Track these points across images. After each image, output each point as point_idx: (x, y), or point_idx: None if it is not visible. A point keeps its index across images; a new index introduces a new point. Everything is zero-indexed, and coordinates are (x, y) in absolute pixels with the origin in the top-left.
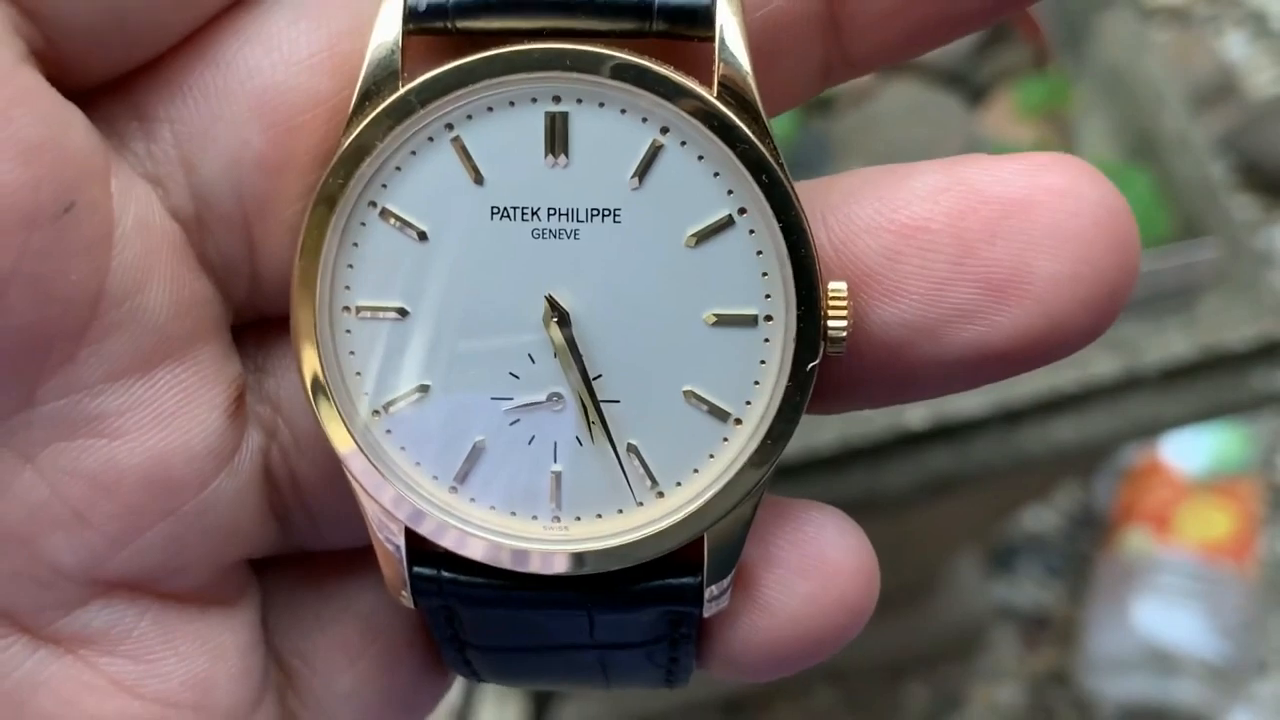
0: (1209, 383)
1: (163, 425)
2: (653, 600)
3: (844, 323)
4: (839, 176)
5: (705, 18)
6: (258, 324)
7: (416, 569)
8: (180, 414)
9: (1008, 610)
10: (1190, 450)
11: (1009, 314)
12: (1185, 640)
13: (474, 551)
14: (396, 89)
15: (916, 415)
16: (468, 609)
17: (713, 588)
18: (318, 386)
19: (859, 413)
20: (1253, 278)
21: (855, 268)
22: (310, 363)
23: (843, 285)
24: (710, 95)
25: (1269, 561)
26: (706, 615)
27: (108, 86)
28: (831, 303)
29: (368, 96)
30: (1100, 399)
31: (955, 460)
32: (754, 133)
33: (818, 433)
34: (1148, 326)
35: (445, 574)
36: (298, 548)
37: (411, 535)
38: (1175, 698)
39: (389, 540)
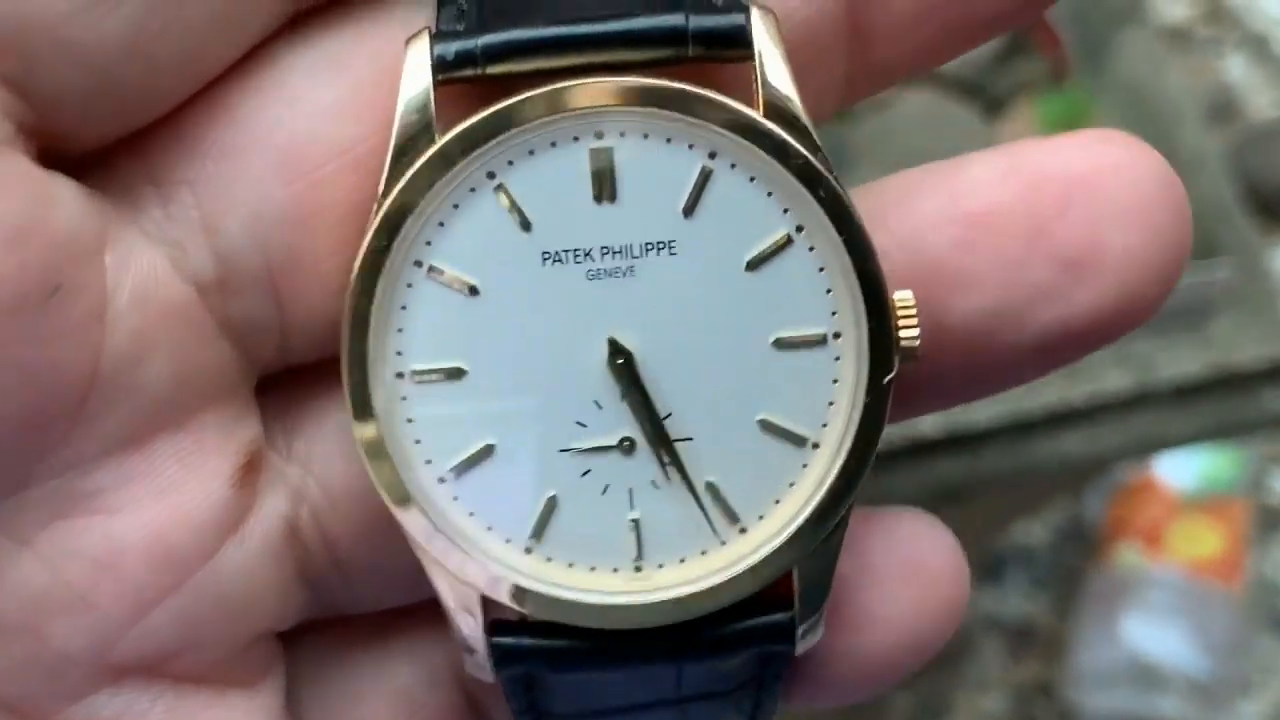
0: (1219, 401)
1: (161, 498)
2: (744, 643)
3: (915, 332)
4: (886, 180)
5: (741, 38)
6: (286, 380)
7: (496, 639)
8: (179, 485)
9: (994, 621)
10: (1182, 469)
11: (1087, 290)
12: (1171, 657)
13: (555, 613)
14: (433, 141)
15: (928, 424)
16: (551, 674)
17: (806, 621)
18: (378, 457)
19: None
20: (1267, 298)
21: (926, 264)
22: (368, 436)
23: (908, 294)
24: (757, 114)
25: (1257, 582)
26: (799, 653)
27: (120, 149)
28: (900, 313)
29: (403, 152)
30: (1111, 413)
31: (965, 469)
32: (805, 147)
33: None
34: (1160, 343)
35: (527, 640)
36: (331, 612)
37: (487, 604)
38: (1159, 713)
39: (464, 612)
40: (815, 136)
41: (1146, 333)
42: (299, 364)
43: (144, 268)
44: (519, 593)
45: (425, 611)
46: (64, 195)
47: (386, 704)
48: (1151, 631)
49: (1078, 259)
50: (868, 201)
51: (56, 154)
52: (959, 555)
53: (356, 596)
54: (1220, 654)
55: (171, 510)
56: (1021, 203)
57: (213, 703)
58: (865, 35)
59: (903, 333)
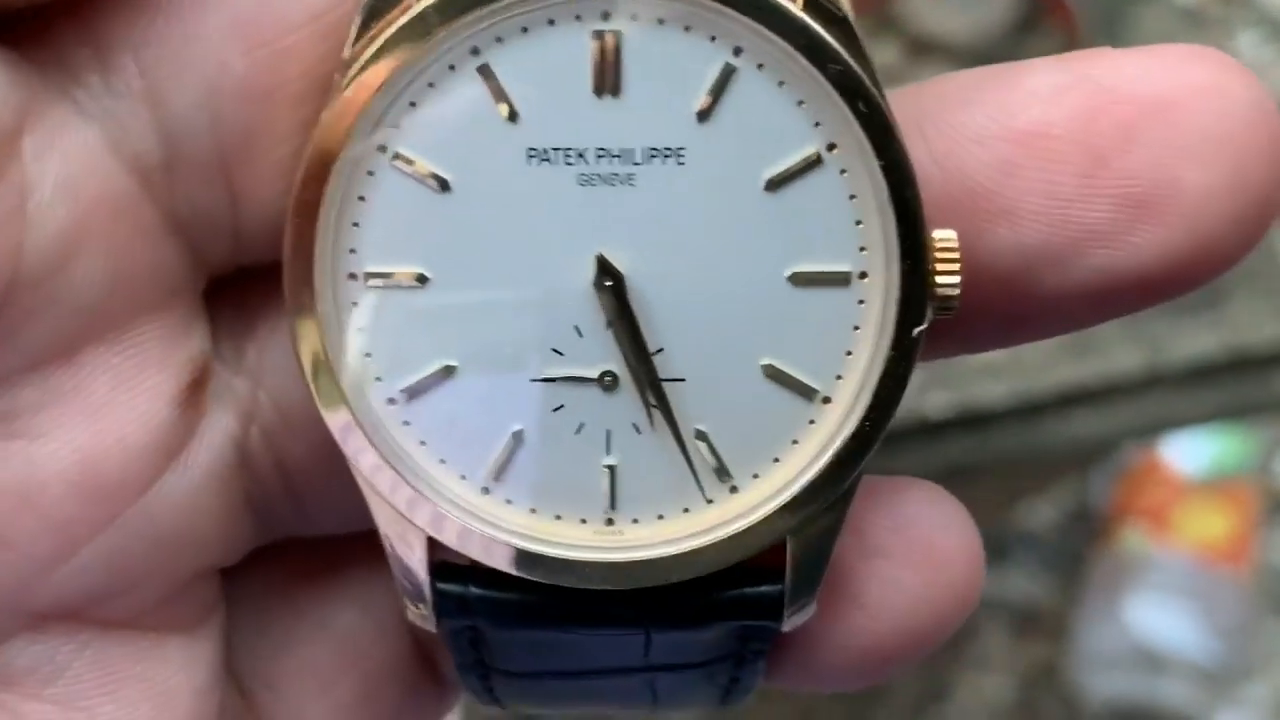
0: (1232, 382)
1: (91, 420)
2: (723, 615)
3: (955, 279)
4: (932, 81)
5: None
6: (236, 280)
7: (440, 584)
8: (113, 405)
9: (998, 602)
10: (1190, 451)
11: (1149, 234)
12: (1176, 641)
13: (509, 563)
14: (409, 6)
15: (936, 403)
16: (500, 630)
17: (798, 598)
18: (319, 369)
19: None
20: None
21: (962, 185)
22: (310, 342)
23: (952, 234)
24: (794, 7)
25: (1265, 565)
26: (786, 629)
27: (55, 7)
28: (940, 255)
29: (373, 16)
30: (1122, 394)
31: (974, 450)
32: (848, 52)
33: None
34: (1173, 323)
35: (474, 590)
36: (276, 538)
37: (433, 546)
38: (1163, 698)
39: (405, 552)
40: (860, 38)
41: (1160, 311)
42: (252, 264)
43: (75, 150)
44: (468, 536)
45: (376, 546)
46: None
47: (328, 650)
48: (1157, 615)
49: (1141, 197)
50: (906, 104)
51: None
52: (973, 537)
53: (307, 523)
54: (1226, 638)
55: (103, 434)
56: (1081, 124)
57: (146, 652)
58: None
59: (940, 279)
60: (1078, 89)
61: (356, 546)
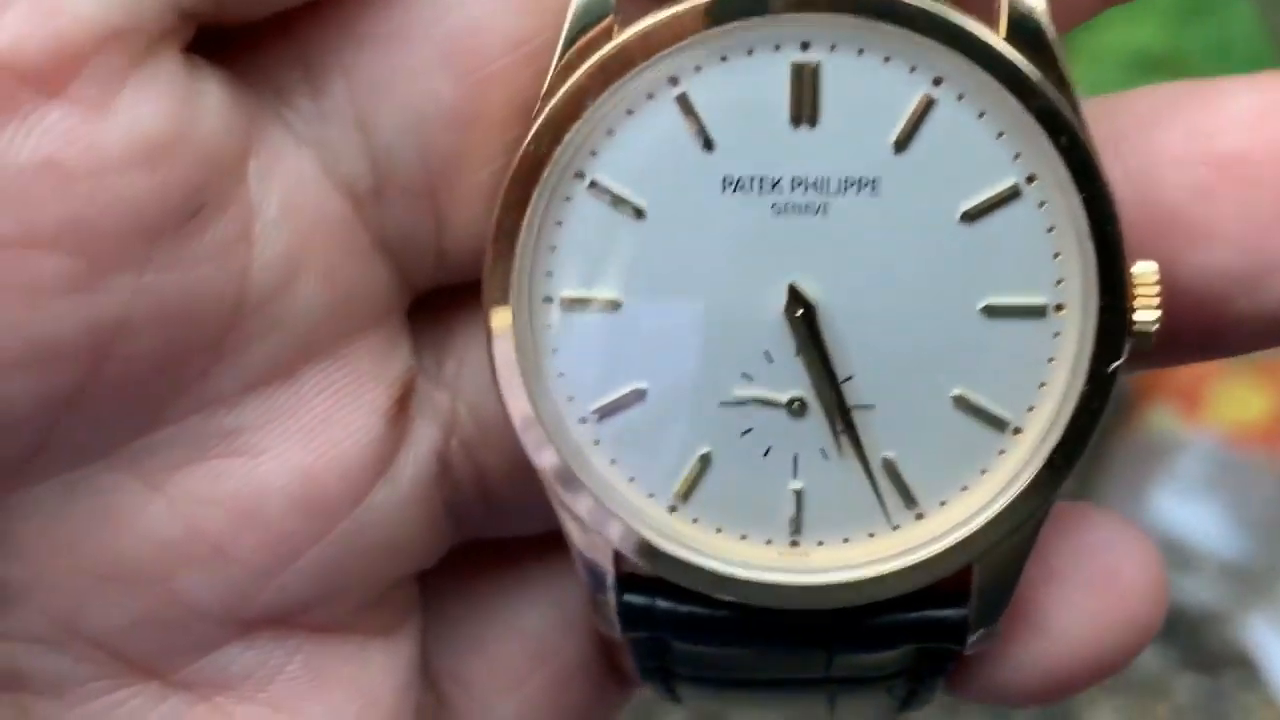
0: None
1: (310, 437)
2: (906, 638)
3: (1155, 314)
4: (1128, 96)
5: None
6: (436, 297)
7: (628, 597)
8: (331, 422)
9: None
10: None
11: None
12: (1205, 534)
13: (695, 581)
14: (610, 36)
15: None
16: (684, 643)
17: (981, 624)
18: (517, 392)
19: None
20: None
21: (1160, 207)
22: (508, 366)
23: (1153, 267)
24: (997, 37)
25: None
26: (969, 653)
27: (268, 28)
28: (1139, 289)
29: (575, 47)
30: None
31: None
32: (1051, 81)
33: None
34: None
35: (660, 603)
36: (469, 539)
37: (620, 560)
38: (1189, 595)
39: (592, 566)
40: (1064, 68)
41: None
42: (453, 282)
43: (293, 174)
44: (655, 553)
45: (562, 547)
46: (211, 99)
47: (518, 649)
48: (1183, 505)
49: None
50: (1102, 119)
51: (205, 33)
52: (1158, 569)
53: (499, 526)
54: (1261, 532)
55: (321, 450)
56: None
57: (352, 655)
58: None
59: (1139, 314)
60: (1278, 114)
61: (543, 548)
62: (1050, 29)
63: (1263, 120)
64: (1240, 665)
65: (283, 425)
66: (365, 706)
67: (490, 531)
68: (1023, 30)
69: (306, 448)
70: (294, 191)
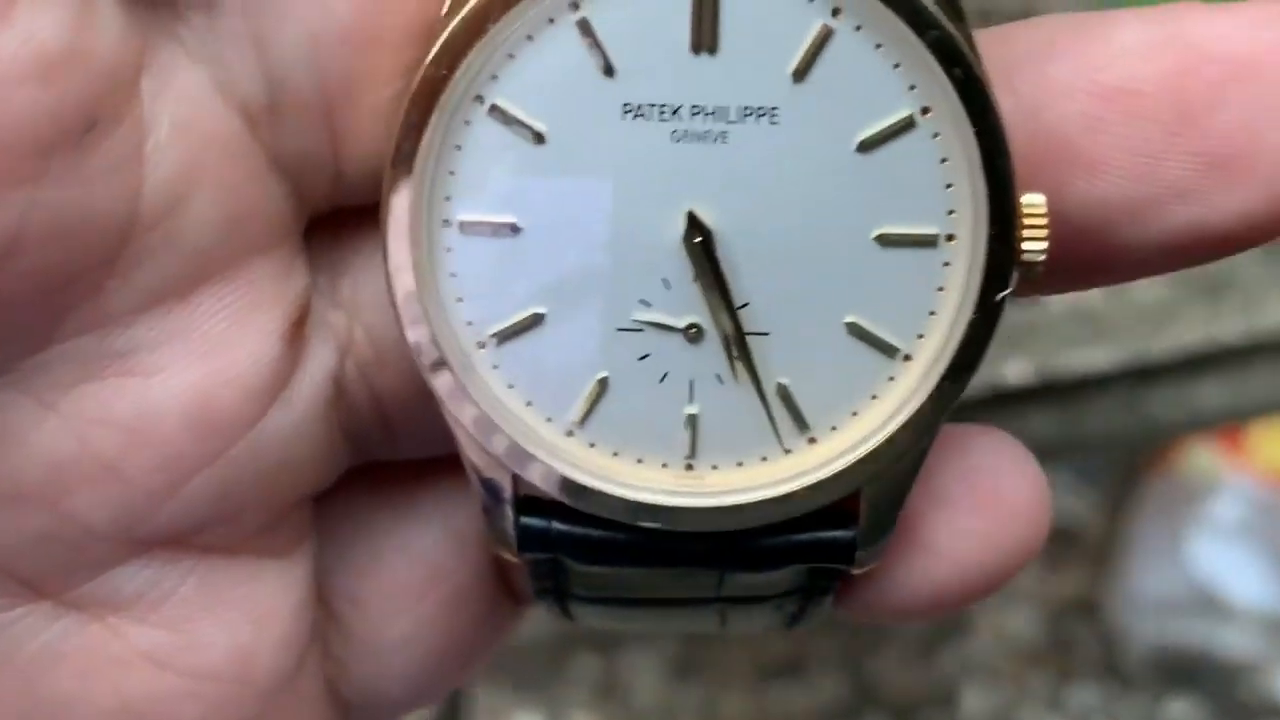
0: None
1: (205, 357)
2: (796, 559)
3: (1043, 245)
4: (1018, 27)
5: None
6: (333, 218)
7: (525, 520)
8: (226, 343)
9: None
10: None
11: (1231, 193)
12: (1241, 582)
13: (590, 503)
14: None
15: (1016, 371)
16: (580, 564)
17: (869, 544)
18: (415, 315)
19: None
20: None
21: (1049, 137)
22: (404, 287)
23: (1041, 199)
24: None
25: None
26: (857, 573)
27: None
28: (1027, 220)
29: None
30: (1266, 354)
31: (1063, 425)
32: (946, 15)
33: None
34: None
35: (558, 525)
36: (364, 460)
37: (517, 482)
38: (1223, 647)
39: (492, 488)
40: (958, 1)
41: None
42: (348, 204)
43: (186, 92)
44: (552, 476)
45: (455, 470)
46: (105, 13)
47: (411, 570)
48: (1221, 552)
49: (1226, 157)
50: (994, 51)
51: None
52: (1042, 489)
53: (396, 448)
54: None
55: (216, 371)
56: (1170, 82)
57: (246, 577)
58: None
59: (1027, 244)
60: (1168, 47)
61: (436, 470)
62: None
63: (1150, 53)
64: (1274, 717)
65: (177, 345)
66: (259, 626)
67: (386, 455)
68: None
69: (201, 368)
70: (187, 109)
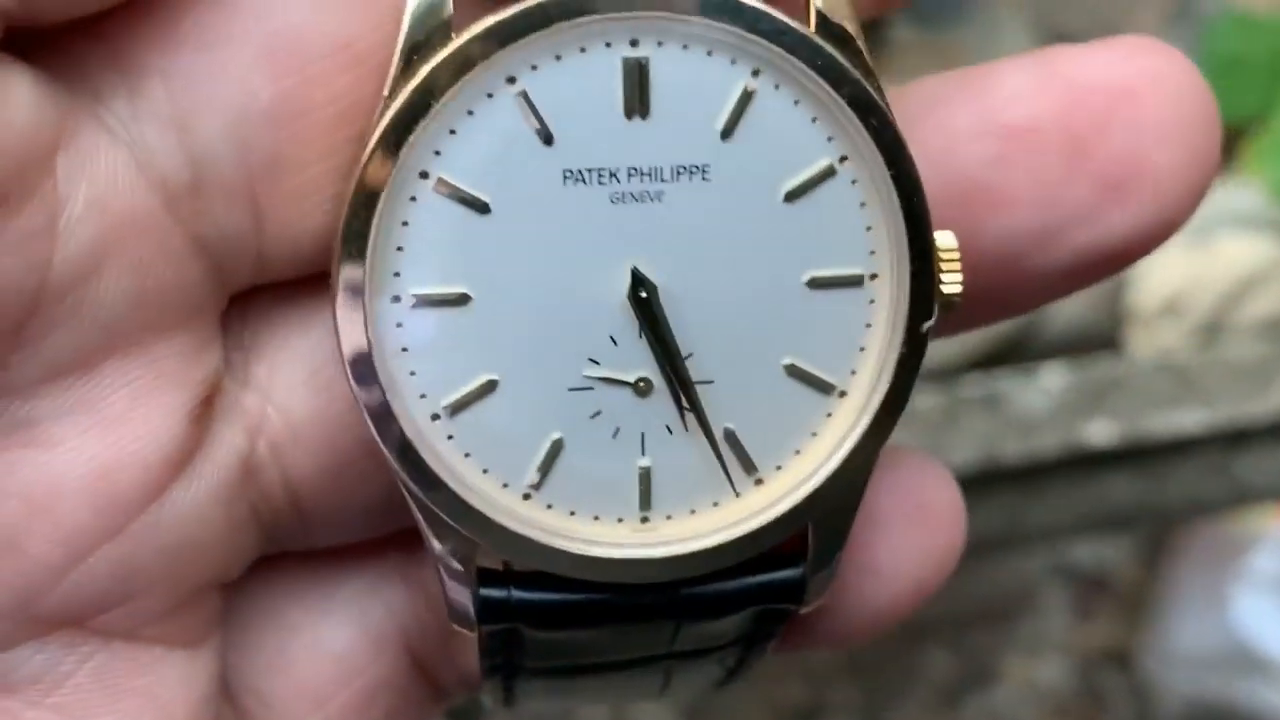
0: None
1: (107, 431)
2: (750, 601)
3: (958, 278)
4: (913, 85)
5: None
6: (250, 297)
7: (484, 591)
8: (129, 418)
9: (1061, 568)
10: None
11: (1127, 211)
12: None
13: (551, 564)
14: (449, 38)
15: (1099, 432)
16: (540, 631)
17: (817, 579)
18: (371, 394)
19: (1008, 424)
20: None
21: (959, 180)
22: (361, 369)
23: (951, 237)
24: (807, 29)
25: None
26: (804, 612)
27: (83, 30)
28: (944, 257)
29: (415, 50)
30: None
31: (1147, 491)
32: (858, 71)
33: (952, 450)
34: None
35: (516, 593)
36: (279, 550)
37: (476, 553)
38: (1261, 704)
39: (449, 562)
40: (868, 57)
41: None
42: (270, 282)
43: (104, 170)
44: (512, 542)
45: (370, 562)
46: (19, 95)
47: (322, 669)
48: (1263, 606)
49: (1119, 179)
50: (893, 107)
51: (17, 32)
52: (958, 494)
53: (310, 536)
54: None
55: (118, 446)
56: (1061, 116)
57: (148, 666)
58: None
59: (945, 278)
60: (1053, 84)
61: (351, 562)
62: (854, 24)
63: (1039, 92)
64: None
65: (80, 418)
66: (160, 718)
67: (299, 543)
68: (829, 25)
69: (103, 442)
70: (104, 187)
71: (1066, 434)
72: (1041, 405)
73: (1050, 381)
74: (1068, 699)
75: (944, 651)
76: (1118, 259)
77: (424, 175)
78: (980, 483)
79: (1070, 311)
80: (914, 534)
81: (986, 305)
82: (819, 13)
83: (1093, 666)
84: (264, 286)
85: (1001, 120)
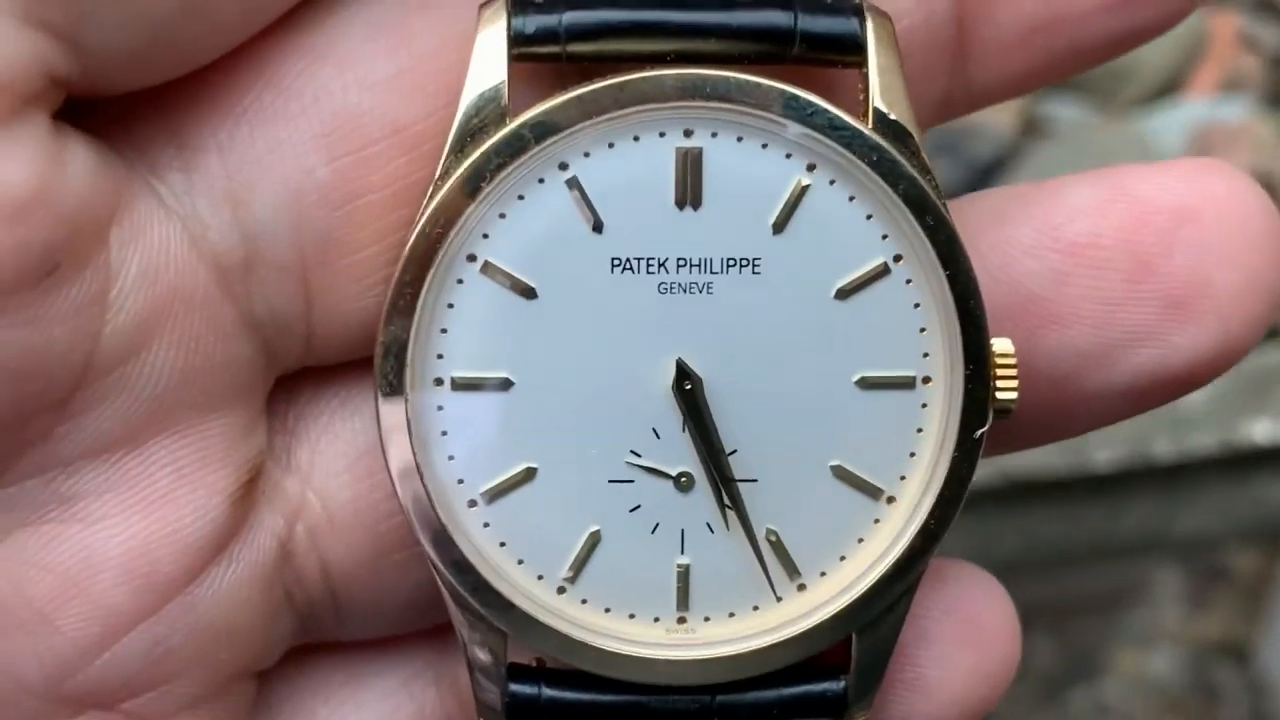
0: None
1: (149, 510)
2: (789, 713)
3: (1014, 384)
4: (973, 199)
5: (854, 43)
6: (294, 381)
7: (514, 686)
8: (172, 497)
9: (1175, 553)
10: None
11: (1189, 332)
12: None
13: (584, 661)
14: (504, 123)
15: (1263, 431)
16: None
17: (860, 693)
18: (407, 476)
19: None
20: None
21: (1017, 294)
22: (400, 450)
23: (1008, 343)
24: (865, 127)
25: None
26: None
27: (142, 101)
28: (1000, 362)
29: (468, 132)
30: None
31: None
32: (914, 168)
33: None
34: None
35: (547, 691)
36: (312, 640)
37: (507, 646)
38: None
39: (480, 652)
40: (925, 156)
41: None
42: (318, 365)
43: (157, 242)
44: (544, 636)
45: (402, 660)
46: (77, 164)
47: None
48: None
49: (1182, 299)
50: (954, 220)
51: (76, 102)
52: (1011, 610)
53: (344, 626)
54: None
55: (159, 525)
56: (1125, 235)
57: None
58: (970, 51)
59: (1000, 385)
60: (1118, 203)
61: (382, 659)
62: (913, 124)
63: (1103, 209)
64: None
65: (122, 496)
66: None
67: (332, 633)
68: (887, 124)
69: (144, 520)
70: (156, 260)
71: (1229, 431)
72: (1197, 399)
73: None
74: (1180, 693)
75: (1048, 640)
76: (1179, 382)
77: (471, 258)
78: (1124, 482)
79: None
80: (965, 651)
81: (1041, 424)
82: (876, 110)
83: (1207, 659)
84: (311, 370)
85: (1064, 236)
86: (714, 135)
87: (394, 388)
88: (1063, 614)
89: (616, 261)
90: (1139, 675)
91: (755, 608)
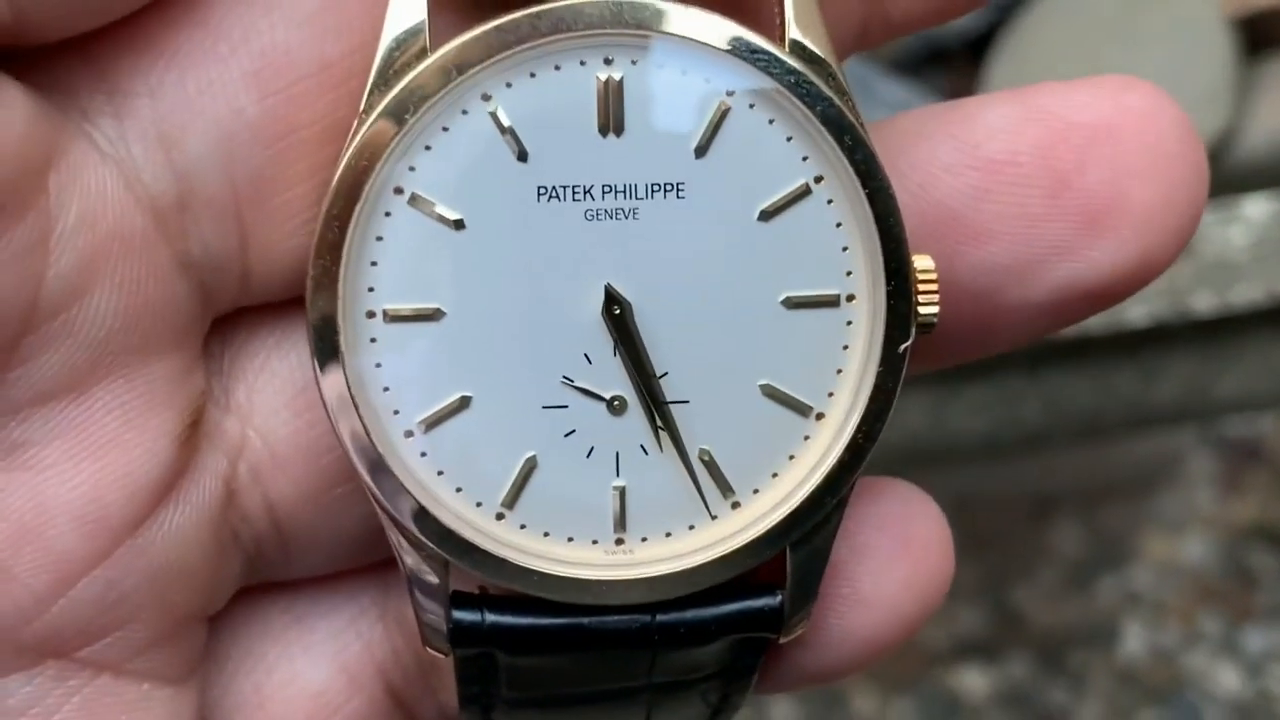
0: None
1: (98, 455)
2: (727, 630)
3: (935, 299)
4: (892, 120)
5: None
6: (230, 320)
7: (457, 614)
8: (119, 441)
9: (1206, 436)
10: None
11: (1105, 247)
12: None
13: (524, 585)
14: (425, 55)
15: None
16: (513, 656)
17: (796, 607)
18: (344, 409)
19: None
20: None
21: (938, 212)
22: (334, 382)
23: (929, 260)
24: (782, 51)
25: None
26: (784, 641)
27: (70, 50)
28: (921, 278)
29: (390, 66)
30: None
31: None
32: (832, 90)
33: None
34: None
35: (490, 616)
36: (262, 580)
37: (449, 574)
38: None
39: (422, 581)
40: (843, 79)
41: None
42: (254, 304)
43: (93, 187)
44: (484, 562)
45: (347, 599)
46: (12, 111)
47: (298, 706)
48: None
49: (1099, 214)
50: (874, 141)
51: (5, 50)
52: (945, 525)
53: (291, 563)
54: None
55: (108, 470)
56: (1043, 151)
57: (134, 703)
58: None
59: (922, 300)
60: (1035, 120)
61: (327, 599)
62: (829, 45)
63: (1021, 127)
64: None
65: (70, 441)
66: None
67: (280, 571)
68: (803, 49)
69: (93, 465)
70: (94, 204)
71: (1273, 281)
72: (1240, 244)
73: (1254, 211)
74: (1213, 579)
75: (1075, 527)
76: (1098, 296)
77: (398, 191)
78: (1160, 339)
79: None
80: (899, 564)
81: (963, 339)
82: (792, 40)
83: (1240, 544)
84: (245, 309)
85: (982, 153)
86: (634, 63)
87: (327, 322)
88: (1090, 499)
89: (543, 190)
90: (1170, 561)
91: (691, 527)
